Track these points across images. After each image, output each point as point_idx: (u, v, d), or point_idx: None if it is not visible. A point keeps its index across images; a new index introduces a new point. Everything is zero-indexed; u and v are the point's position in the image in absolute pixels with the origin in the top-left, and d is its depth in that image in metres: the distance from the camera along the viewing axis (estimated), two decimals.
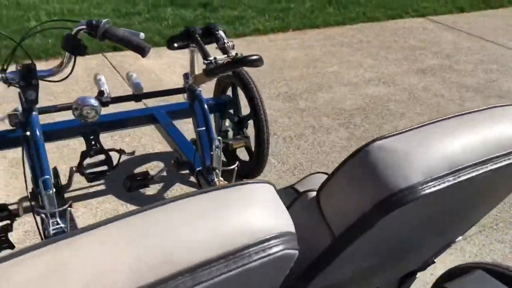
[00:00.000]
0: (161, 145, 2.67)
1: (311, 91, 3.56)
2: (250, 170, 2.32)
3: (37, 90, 1.34)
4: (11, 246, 1.66)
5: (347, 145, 2.87)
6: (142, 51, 1.25)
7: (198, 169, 1.72)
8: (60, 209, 1.37)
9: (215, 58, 1.46)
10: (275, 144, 2.82)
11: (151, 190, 2.35)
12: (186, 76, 1.67)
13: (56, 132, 1.84)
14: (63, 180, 1.76)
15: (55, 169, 1.71)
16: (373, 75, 3.92)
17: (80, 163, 1.67)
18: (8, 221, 1.61)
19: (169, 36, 4.32)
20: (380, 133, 3.01)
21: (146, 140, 2.76)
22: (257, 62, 1.42)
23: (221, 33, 1.61)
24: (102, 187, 2.35)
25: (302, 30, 4.91)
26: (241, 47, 4.36)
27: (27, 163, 1.41)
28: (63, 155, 2.58)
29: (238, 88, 2.33)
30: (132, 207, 2.22)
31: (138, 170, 2.51)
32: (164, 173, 2.00)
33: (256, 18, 5.02)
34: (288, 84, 3.66)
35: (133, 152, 1.88)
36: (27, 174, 1.44)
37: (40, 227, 1.36)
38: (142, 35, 1.34)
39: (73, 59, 1.38)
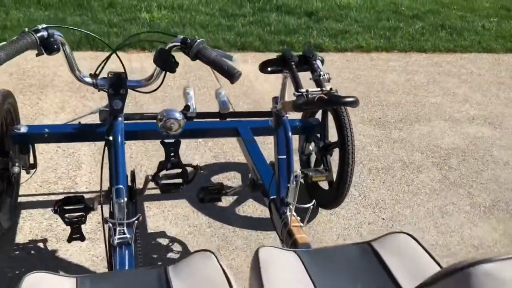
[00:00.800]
0: (242, 156, 2.63)
1: (407, 121, 3.33)
2: (329, 200, 2.20)
3: (124, 100, 1.34)
4: (82, 238, 1.68)
5: (438, 188, 2.63)
6: (231, 77, 1.19)
7: (272, 197, 1.64)
8: (128, 221, 1.35)
9: (307, 91, 1.36)
10: (359, 174, 2.66)
11: (224, 202, 2.30)
12: (275, 100, 1.59)
13: (140, 133, 1.85)
14: (139, 183, 1.77)
15: (132, 173, 1.72)
16: (479, 113, 3.59)
17: (156, 173, 1.66)
18: (83, 213, 1.63)
19: (269, 41, 4.31)
20: (477, 181, 2.73)
21: (228, 147, 2.73)
22: (351, 104, 1.30)
23: (318, 63, 1.51)
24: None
25: (408, 53, 4.65)
26: (339, 62, 4.22)
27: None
28: (147, 150, 2.62)
29: (329, 113, 2.21)
30: (202, 216, 2.19)
31: (215, 177, 2.48)
32: (238, 190, 1.95)
33: (361, 34, 4.83)
34: (384, 110, 3.45)
35: (205, 172, 1.85)
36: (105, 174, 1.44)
37: (106, 233, 1.35)
38: (235, 58, 1.28)
39: (163, 74, 1.36)
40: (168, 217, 2.17)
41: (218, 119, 1.71)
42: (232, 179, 2.48)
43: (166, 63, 1.29)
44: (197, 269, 1.10)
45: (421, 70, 4.29)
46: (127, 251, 1.35)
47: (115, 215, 1.37)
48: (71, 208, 1.60)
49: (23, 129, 1.81)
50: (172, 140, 1.64)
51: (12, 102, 1.91)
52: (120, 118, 1.44)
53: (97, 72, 1.34)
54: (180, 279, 1.08)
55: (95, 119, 1.93)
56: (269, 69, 1.53)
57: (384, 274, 1.17)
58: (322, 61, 1.57)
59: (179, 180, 1.69)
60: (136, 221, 1.38)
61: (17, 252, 1.86)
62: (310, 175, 1.75)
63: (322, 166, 2.29)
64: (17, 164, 1.87)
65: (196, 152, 2.66)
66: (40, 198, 2.17)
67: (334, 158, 2.29)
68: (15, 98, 1.96)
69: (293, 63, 1.50)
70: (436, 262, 1.19)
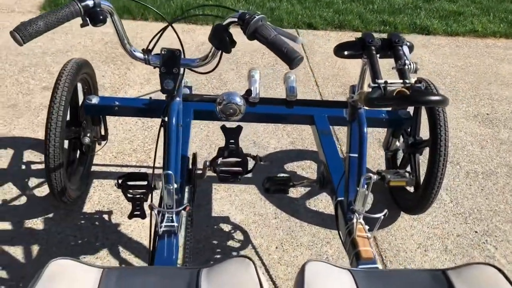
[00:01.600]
0: None
1: None
2: (413, 205, 1.94)
3: (176, 80, 1.22)
4: (143, 215, 1.64)
5: None
6: (290, 62, 1.01)
7: (339, 199, 1.45)
8: (174, 210, 1.26)
9: (385, 83, 1.13)
10: (454, 177, 2.35)
11: (295, 193, 2.15)
12: (352, 89, 1.38)
13: (204, 113, 1.75)
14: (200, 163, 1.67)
15: (194, 156, 1.62)
16: None
17: (214, 159, 1.54)
18: (145, 190, 1.58)
19: (369, 20, 3.98)
20: None
21: (308, 133, 2.54)
22: (438, 104, 1.06)
23: (405, 49, 1.26)
24: (249, 174, 2.24)
25: None
26: (447, 48, 3.79)
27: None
28: (210, 133, 2.51)
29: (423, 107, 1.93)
30: (269, 206, 2.06)
31: (289, 165, 2.33)
32: (306, 184, 1.78)
33: (477, 17, 4.30)
34: (493, 105, 3.02)
35: (269, 163, 1.70)
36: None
37: (153, 220, 1.27)
38: (301, 40, 1.10)
39: (218, 54, 1.22)
40: (234, 202, 2.07)
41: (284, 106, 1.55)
42: (307, 169, 2.31)
43: (221, 42, 1.15)
44: (231, 276, 0.97)
45: None
46: (172, 241, 1.26)
47: (163, 202, 1.28)
48: (134, 184, 1.55)
49: (95, 100, 1.80)
50: (233, 126, 1.51)
51: (89, 72, 1.90)
52: (178, 99, 1.34)
53: (150, 47, 1.25)
54: (210, 284, 0.96)
55: None
56: (345, 52, 1.32)
57: None
58: (411, 48, 1.32)
59: (239, 170, 1.56)
60: (183, 210, 1.28)
61: (82, 222, 1.89)
62: (387, 178, 1.52)
63: (407, 167, 2.03)
64: (88, 135, 1.87)
65: (272, 136, 2.52)
66: (113, 169, 2.19)
67: (424, 158, 2.02)
68: (93, 68, 1.96)
69: (373, 47, 1.28)
70: None
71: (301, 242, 1.91)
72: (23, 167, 2.14)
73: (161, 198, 1.29)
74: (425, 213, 2.09)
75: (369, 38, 1.29)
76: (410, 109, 2.03)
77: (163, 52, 1.23)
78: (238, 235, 1.91)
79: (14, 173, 2.10)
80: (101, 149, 2.25)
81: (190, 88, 1.75)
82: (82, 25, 1.10)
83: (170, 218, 1.31)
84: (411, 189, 2.06)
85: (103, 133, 1.97)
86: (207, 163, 1.55)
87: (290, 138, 2.53)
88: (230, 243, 1.87)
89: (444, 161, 1.76)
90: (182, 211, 1.30)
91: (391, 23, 4.04)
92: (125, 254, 1.77)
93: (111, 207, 1.97)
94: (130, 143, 2.36)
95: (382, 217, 1.27)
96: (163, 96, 1.40)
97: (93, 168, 2.16)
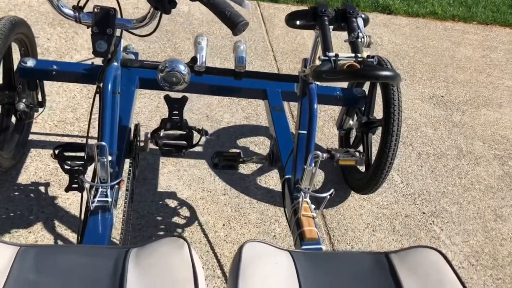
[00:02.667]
0: None
1: (474, 104, 2.92)
2: (362, 184, 1.92)
3: (110, 41, 1.11)
4: (81, 189, 1.53)
5: (495, 186, 2.27)
6: (233, 27, 0.93)
7: (287, 176, 1.40)
8: (108, 184, 1.17)
9: (336, 56, 1.07)
10: (406, 158, 2.35)
11: (246, 169, 2.09)
12: (304, 62, 1.31)
13: (150, 82, 1.64)
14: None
15: (136, 127, 1.52)
16: None
17: (155, 131, 1.45)
18: (83, 162, 1.47)
19: None
20: None
21: (263, 109, 2.47)
22: (388, 80, 1.00)
23: (359, 21, 1.19)
24: (199, 149, 2.16)
25: (489, 26, 4.10)
26: (407, 28, 3.78)
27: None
28: (161, 104, 2.40)
29: (378, 85, 1.89)
30: (219, 182, 1.99)
31: (242, 140, 2.26)
32: (255, 161, 1.72)
33: None
34: (448, 88, 3.05)
35: (215, 136, 1.61)
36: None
37: (85, 196, 1.18)
38: (247, 4, 1.01)
39: (158, 16, 1.12)
40: (182, 177, 1.99)
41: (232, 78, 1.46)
42: (260, 145, 2.25)
43: (158, 1, 1.05)
44: (162, 256, 0.90)
45: (501, 47, 3.77)
46: (104, 218, 1.17)
47: (97, 175, 1.19)
48: (72, 155, 1.44)
49: (30, 63, 1.65)
50: (178, 96, 1.42)
51: (26, 32, 1.75)
52: (115, 64, 1.23)
53: (82, 4, 1.13)
54: (138, 265, 0.88)
55: None
56: (297, 22, 1.24)
57: None
58: (366, 20, 1.26)
59: (183, 143, 1.47)
60: (116, 185, 1.19)
61: (16, 193, 1.76)
62: (337, 157, 1.48)
63: (359, 146, 2.00)
64: (23, 101, 1.73)
65: (226, 110, 2.44)
66: (53, 138, 2.05)
67: (377, 138, 2.00)
68: (31, 28, 1.80)
69: (326, 18, 1.21)
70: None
71: (249, 220, 1.86)
72: None
73: (95, 171, 1.19)
74: (375, 193, 2.08)
75: (322, 7, 1.21)
76: (366, 88, 2.00)
77: (95, 10, 1.11)
78: (184, 212, 1.84)
79: None
80: (40, 117, 2.11)
81: (136, 54, 1.63)
82: None
83: (104, 193, 1.22)
84: (362, 168, 2.04)
85: (40, 99, 1.83)
86: (148, 135, 1.45)
87: (245, 113, 2.45)
88: (175, 219, 1.80)
89: (396, 141, 1.73)
90: (116, 186, 1.21)
91: (352, 0, 3.98)
92: (60, 229, 1.66)
93: (48, 179, 1.84)
94: (73, 111, 2.22)
95: (328, 196, 1.22)
96: None
97: (32, 136, 2.01)
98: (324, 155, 1.44)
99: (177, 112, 1.43)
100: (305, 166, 1.26)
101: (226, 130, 2.32)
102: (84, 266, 0.88)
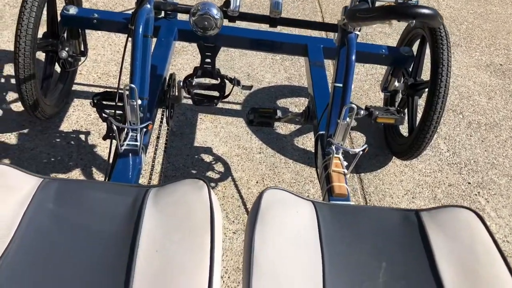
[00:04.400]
0: None
1: None
2: (404, 149, 1.83)
3: None
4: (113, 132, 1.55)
5: None
6: None
7: (320, 132, 1.34)
8: (136, 127, 1.17)
9: None
10: (454, 126, 2.22)
11: (284, 129, 2.05)
12: (344, 10, 1.23)
13: (189, 34, 1.61)
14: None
15: (171, 76, 1.51)
16: None
17: (186, 79, 1.43)
18: (121, 111, 1.48)
19: None
20: None
21: (298, 67, 2.40)
22: (426, 19, 0.91)
23: None
24: (237, 107, 2.13)
25: None
26: None
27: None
28: (219, 59, 2.40)
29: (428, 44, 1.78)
30: (256, 140, 1.96)
31: (282, 101, 2.21)
32: (291, 118, 1.67)
33: None
34: (509, 56, 2.84)
35: (250, 87, 1.57)
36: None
37: (117, 136, 1.18)
38: None
39: None
40: (219, 133, 1.98)
41: (267, 25, 1.40)
42: (300, 106, 2.19)
43: None
44: (181, 196, 0.89)
45: None
46: (132, 160, 1.18)
47: (127, 119, 1.19)
48: (110, 104, 1.45)
49: (72, 11, 1.67)
50: (211, 44, 1.38)
51: None
52: (148, 6, 1.21)
53: None
54: (156, 203, 0.88)
55: None
56: None
57: (420, 251, 0.87)
58: None
59: (215, 93, 1.45)
60: (145, 129, 1.19)
61: (58, 140, 1.81)
62: (375, 114, 1.40)
63: (404, 110, 1.91)
64: (66, 49, 1.76)
65: (268, 70, 2.39)
66: (96, 90, 2.08)
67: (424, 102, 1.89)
68: None
69: None
70: (499, 251, 0.85)
71: (283, 179, 1.83)
72: (2, 80, 2.05)
73: (125, 114, 1.19)
74: (418, 160, 1.99)
75: None
76: (414, 48, 1.89)
77: None
78: (219, 167, 1.84)
79: None
80: (85, 68, 2.14)
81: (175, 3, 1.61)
82: None
83: (134, 137, 1.22)
84: (405, 133, 1.95)
85: (82, 48, 1.85)
86: (180, 83, 1.43)
87: (287, 74, 2.39)
88: (210, 173, 1.80)
89: (442, 104, 1.63)
90: (145, 130, 1.20)
91: None
92: (98, 175, 1.70)
93: (89, 128, 1.89)
94: (117, 64, 2.24)
95: (361, 152, 1.17)
96: None
97: (75, 87, 2.06)
98: (362, 111, 1.37)
99: (209, 60, 1.40)
100: (338, 120, 1.20)
101: (266, 89, 2.27)
102: (104, 201, 0.88)
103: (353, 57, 1.19)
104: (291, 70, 2.41)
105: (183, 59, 2.35)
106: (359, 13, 0.97)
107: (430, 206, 1.81)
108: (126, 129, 1.19)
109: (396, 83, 1.89)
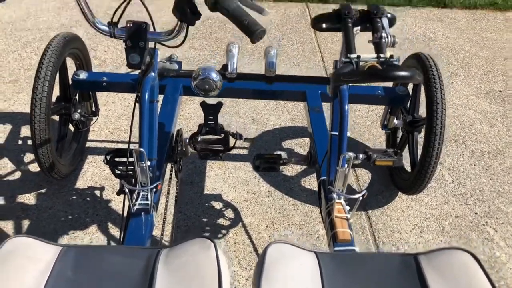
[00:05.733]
0: None
1: None
2: (409, 184, 1.88)
3: (143, 54, 1.18)
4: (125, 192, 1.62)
5: None
6: (250, 35, 0.96)
7: (322, 178, 1.40)
8: (147, 187, 1.24)
9: (358, 57, 1.07)
10: (458, 157, 2.26)
11: (291, 171, 2.11)
12: (335, 63, 1.31)
13: (189, 89, 1.71)
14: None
15: (178, 132, 1.59)
16: None
17: (193, 136, 1.51)
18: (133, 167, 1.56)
19: None
20: None
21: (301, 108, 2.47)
22: (406, 80, 0.99)
23: (384, 21, 1.18)
24: (244, 151, 2.21)
25: None
26: (463, 21, 3.64)
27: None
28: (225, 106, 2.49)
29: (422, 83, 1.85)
30: (263, 184, 2.03)
31: (287, 142, 2.29)
32: (294, 163, 1.73)
33: None
34: (507, 82, 2.89)
35: (252, 140, 1.65)
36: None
37: (129, 197, 1.25)
38: (267, 12, 1.04)
39: (185, 28, 1.17)
40: (228, 179, 2.05)
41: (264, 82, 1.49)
42: (305, 147, 2.26)
43: (183, 14, 1.10)
44: (190, 257, 0.95)
45: None
46: (143, 220, 1.25)
47: (137, 181, 1.26)
48: (122, 161, 1.53)
49: (83, 76, 1.78)
50: (214, 102, 1.47)
51: (80, 46, 1.88)
52: (152, 74, 1.30)
53: (116, 20, 1.20)
54: (167, 265, 0.94)
55: None
56: (323, 25, 1.25)
57: None
58: (392, 20, 1.24)
59: (220, 147, 1.53)
60: (154, 189, 1.26)
61: (74, 197, 1.89)
62: (373, 158, 1.46)
63: (405, 146, 1.96)
64: (78, 111, 1.86)
65: (272, 113, 2.47)
66: (108, 145, 2.18)
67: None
68: (84, 43, 1.93)
69: (349, 20, 1.21)
70: None
71: (293, 221, 1.88)
72: (20, 142, 2.16)
73: (135, 175, 1.27)
74: (424, 193, 2.03)
75: (346, 10, 1.22)
76: (410, 86, 1.96)
77: (128, 25, 1.19)
78: (229, 213, 1.90)
79: (10, 148, 2.11)
80: (97, 125, 2.25)
81: (179, 63, 1.71)
82: None
83: (145, 196, 1.29)
84: (409, 168, 2.00)
85: (93, 109, 1.96)
86: (187, 140, 1.52)
87: (290, 115, 2.48)
88: (220, 221, 1.86)
89: (440, 139, 1.69)
90: (155, 190, 1.28)
91: None
92: (113, 230, 1.77)
93: (103, 183, 1.97)
94: (128, 119, 2.35)
95: (361, 197, 1.22)
96: None
97: (89, 144, 2.16)
98: (361, 156, 1.43)
99: (212, 118, 1.48)
100: (337, 168, 1.27)
101: (271, 132, 2.35)
102: (118, 265, 0.95)
103: (346, 107, 1.26)
104: (294, 111, 2.49)
105: (190, 108, 2.44)
106: (343, 77, 1.05)
107: (438, 240, 1.84)
108: (131, 191, 1.26)
109: (395, 121, 1.95)
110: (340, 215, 1.27)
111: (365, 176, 2.13)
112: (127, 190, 1.22)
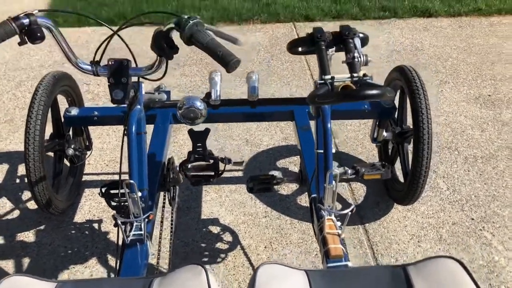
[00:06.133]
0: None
1: None
2: (402, 195, 1.90)
3: (126, 89, 1.22)
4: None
5: None
6: (225, 65, 0.99)
7: (312, 195, 1.43)
8: (138, 219, 1.26)
9: (332, 78, 1.10)
10: (451, 164, 2.28)
11: (286, 190, 2.13)
12: (315, 84, 1.35)
13: (173, 117, 1.75)
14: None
15: (169, 161, 1.62)
16: None
17: (182, 164, 1.54)
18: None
19: (368, 7, 3.89)
20: None
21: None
22: (376, 98, 1.02)
23: (356, 41, 1.22)
24: (239, 174, 2.23)
25: None
26: (449, 29, 3.69)
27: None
28: (218, 129, 2.53)
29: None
30: (260, 205, 2.04)
31: (281, 161, 2.31)
32: (287, 182, 1.76)
33: None
34: (496, 86, 2.93)
35: (241, 163, 1.68)
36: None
37: (122, 230, 1.28)
38: (240, 42, 1.08)
39: (164, 62, 1.21)
40: (224, 203, 2.06)
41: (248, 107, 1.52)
42: (299, 165, 2.28)
43: (161, 49, 1.14)
44: (181, 283, 0.97)
45: None
46: (138, 251, 1.26)
47: (130, 210, 1.29)
48: (117, 192, 1.56)
49: (74, 112, 1.82)
50: (202, 129, 1.50)
51: (70, 84, 1.92)
52: (138, 107, 1.34)
53: (98, 59, 1.24)
54: None
55: None
56: (299, 49, 1.29)
57: None
58: (364, 39, 1.28)
59: (210, 173, 1.55)
60: (146, 219, 1.28)
61: (73, 232, 1.91)
62: (361, 172, 1.49)
63: (397, 158, 1.99)
64: (72, 146, 1.89)
65: (265, 133, 2.50)
66: (105, 177, 2.21)
67: None
68: (74, 80, 1.97)
69: (322, 42, 1.24)
70: None
71: (291, 240, 1.89)
72: (17, 181, 2.19)
73: (128, 207, 1.29)
74: (419, 203, 2.04)
75: (318, 33, 1.25)
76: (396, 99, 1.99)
77: (110, 63, 1.23)
78: (227, 237, 1.91)
79: (8, 187, 2.14)
80: (93, 158, 2.28)
81: (167, 92, 1.75)
82: (20, 44, 1.11)
83: (139, 227, 1.31)
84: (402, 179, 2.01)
85: (87, 143, 1.99)
86: (177, 168, 1.55)
87: (283, 134, 2.51)
88: (219, 245, 1.87)
89: (428, 149, 1.71)
90: (147, 220, 1.30)
91: (390, 8, 3.95)
92: (112, 262, 1.78)
93: (101, 216, 1.99)
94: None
95: (350, 213, 1.24)
96: None
97: (85, 177, 2.19)
98: (349, 171, 1.46)
99: (200, 144, 1.51)
100: (325, 185, 1.29)
101: (265, 152, 2.38)
102: None
103: (329, 125, 1.29)
104: (287, 130, 2.52)
105: (184, 134, 2.47)
106: (317, 99, 1.08)
107: (436, 248, 1.85)
108: (123, 223, 1.28)
109: (385, 133, 1.97)
110: (332, 231, 1.29)
111: (360, 189, 2.14)
112: (119, 222, 1.25)
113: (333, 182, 1.29)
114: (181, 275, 1.00)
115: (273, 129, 2.54)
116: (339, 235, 1.30)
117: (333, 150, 1.29)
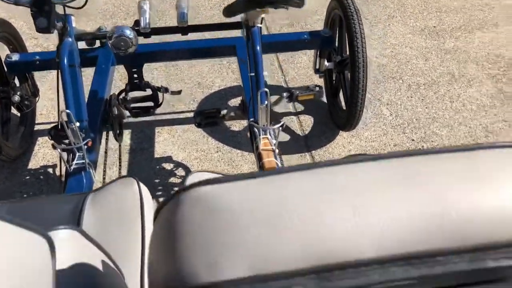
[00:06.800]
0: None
1: (467, 28, 2.87)
2: (344, 121, 1.99)
3: (49, 17, 1.23)
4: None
5: (487, 104, 2.27)
6: None
7: (251, 119, 1.49)
8: (75, 146, 1.31)
9: None
10: (395, 92, 2.37)
11: (238, 126, 2.19)
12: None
13: (120, 58, 1.76)
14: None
15: (111, 97, 1.66)
16: None
17: (119, 94, 1.57)
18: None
19: None
20: None
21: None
22: (285, 3, 1.05)
23: None
24: (192, 114, 2.28)
25: None
26: None
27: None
28: (169, 74, 2.55)
29: None
30: (212, 141, 2.11)
31: (233, 100, 2.36)
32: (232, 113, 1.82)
33: None
34: (441, 17, 3.00)
35: (179, 91, 1.72)
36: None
37: (63, 158, 1.32)
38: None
39: None
40: (177, 142, 2.12)
41: (181, 34, 1.55)
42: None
43: None
44: (114, 196, 1.03)
45: None
46: (81, 177, 1.32)
47: (70, 141, 1.33)
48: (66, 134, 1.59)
49: (15, 58, 1.82)
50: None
51: (9, 30, 1.91)
52: (69, 39, 1.36)
53: None
54: (93, 207, 1.01)
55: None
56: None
57: None
58: None
59: (150, 104, 1.59)
60: (85, 146, 1.33)
61: (28, 177, 1.95)
62: (295, 94, 1.55)
63: (339, 87, 2.06)
64: (18, 93, 1.90)
65: (217, 75, 2.54)
66: None
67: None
68: (13, 26, 1.96)
69: None
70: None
71: (242, 171, 1.97)
72: None
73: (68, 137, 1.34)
74: (363, 129, 2.14)
75: None
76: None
77: None
78: (180, 172, 1.98)
79: None
80: (45, 109, 2.29)
81: None
82: None
83: (81, 156, 1.36)
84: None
85: (33, 90, 2.00)
86: (116, 102, 1.58)
87: (235, 75, 2.54)
88: (172, 179, 1.94)
89: (363, 74, 1.78)
90: (86, 147, 1.35)
91: None
92: None
93: (55, 161, 2.02)
94: None
95: (280, 128, 1.31)
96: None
97: (39, 127, 2.20)
98: (284, 94, 1.52)
99: (136, 76, 1.55)
100: (257, 105, 1.35)
101: (217, 93, 2.42)
102: (47, 213, 1.02)
103: (258, 48, 1.34)
104: (238, 71, 2.56)
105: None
106: (227, 9, 1.12)
107: None
108: (71, 150, 1.33)
109: (326, 63, 2.04)
110: (267, 148, 1.37)
111: (308, 121, 2.22)
112: (59, 151, 1.29)
113: (266, 101, 1.36)
114: (113, 187, 1.06)
115: (225, 71, 2.58)
116: (273, 150, 1.37)
117: (265, 73, 1.34)
